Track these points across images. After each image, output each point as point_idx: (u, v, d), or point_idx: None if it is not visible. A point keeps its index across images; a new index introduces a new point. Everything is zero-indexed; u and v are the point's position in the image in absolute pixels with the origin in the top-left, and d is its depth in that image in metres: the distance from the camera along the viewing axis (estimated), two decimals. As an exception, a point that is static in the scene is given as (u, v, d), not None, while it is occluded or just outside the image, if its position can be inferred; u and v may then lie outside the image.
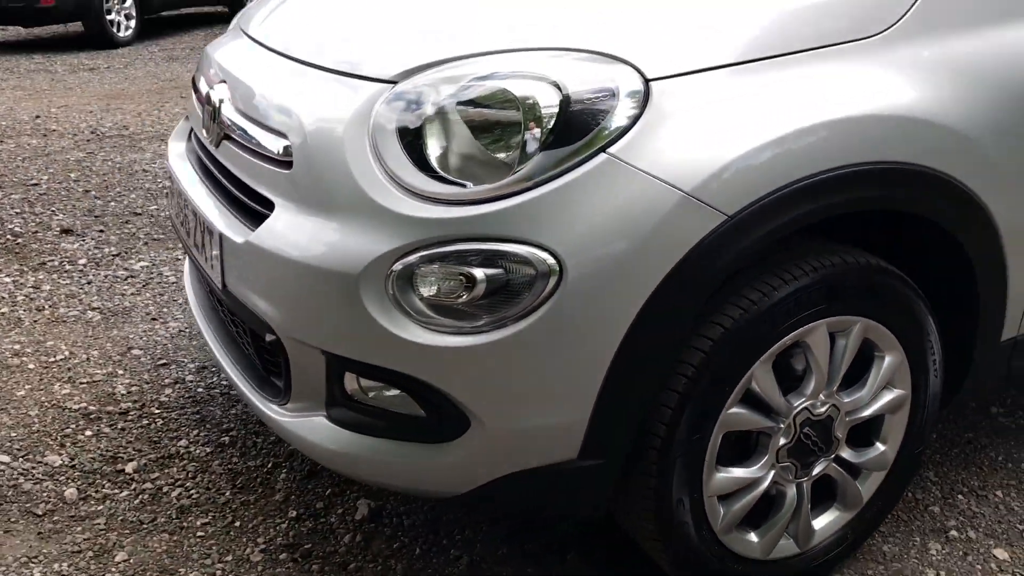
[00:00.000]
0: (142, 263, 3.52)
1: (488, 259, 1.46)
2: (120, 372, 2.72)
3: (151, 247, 3.69)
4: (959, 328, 1.87)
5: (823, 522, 1.87)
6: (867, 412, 1.81)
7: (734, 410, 1.65)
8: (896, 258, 1.77)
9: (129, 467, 2.26)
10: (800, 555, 1.86)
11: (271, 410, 1.80)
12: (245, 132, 1.79)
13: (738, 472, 1.72)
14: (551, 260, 1.45)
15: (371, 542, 2.03)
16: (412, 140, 1.54)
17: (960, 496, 2.18)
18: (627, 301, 1.48)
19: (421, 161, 1.53)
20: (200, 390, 2.62)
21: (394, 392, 1.60)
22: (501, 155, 1.49)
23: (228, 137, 1.88)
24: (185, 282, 2.41)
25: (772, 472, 1.75)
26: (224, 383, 2.65)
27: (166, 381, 2.67)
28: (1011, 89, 1.71)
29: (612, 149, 1.46)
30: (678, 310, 1.51)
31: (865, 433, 1.86)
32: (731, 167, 1.47)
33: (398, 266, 1.49)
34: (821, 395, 1.74)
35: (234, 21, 2.44)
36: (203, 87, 2.08)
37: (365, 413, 1.66)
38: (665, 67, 1.51)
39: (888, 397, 1.82)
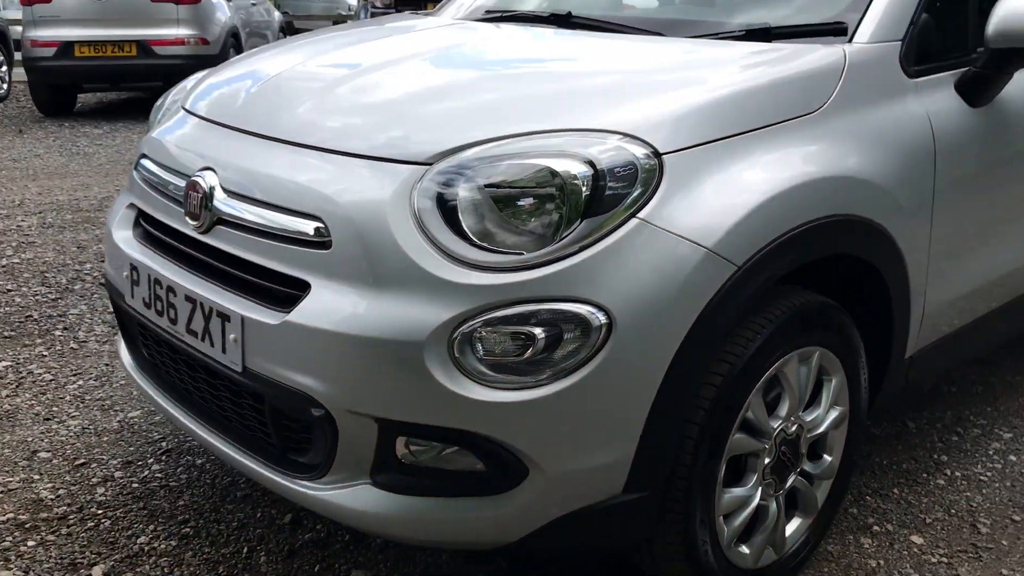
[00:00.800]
0: (3, 363, 3.29)
1: (545, 318, 1.62)
2: (36, 477, 2.55)
3: (5, 345, 3.45)
4: (877, 349, 2.23)
5: (791, 529, 2.14)
6: (822, 428, 2.11)
7: (737, 436, 1.89)
8: (829, 292, 2.10)
9: (96, 571, 2.15)
10: (778, 561, 2.12)
11: (299, 485, 1.83)
12: (258, 217, 1.84)
13: (738, 491, 1.96)
14: (602, 315, 1.63)
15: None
16: (457, 215, 1.68)
17: (868, 497, 2.54)
18: (665, 346, 1.69)
19: (467, 234, 1.67)
20: (136, 485, 2.52)
21: (451, 450, 1.70)
22: (544, 225, 1.66)
23: (223, 222, 1.92)
24: (131, 371, 2.35)
25: (760, 489, 2.00)
26: (159, 475, 2.56)
27: (94, 480, 2.54)
28: (902, 146, 2.11)
29: (641, 214, 1.68)
30: (703, 351, 1.74)
31: (816, 448, 2.16)
32: (739, 225, 1.73)
33: (461, 331, 1.62)
34: (793, 416, 2.02)
35: (170, 103, 2.45)
36: (174, 175, 2.08)
37: (415, 474, 1.74)
38: (672, 143, 1.75)
39: (835, 414, 2.14)
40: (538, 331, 1.62)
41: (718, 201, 1.75)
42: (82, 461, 2.64)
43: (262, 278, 1.84)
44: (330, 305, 1.71)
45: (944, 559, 2.28)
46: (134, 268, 2.14)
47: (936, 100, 2.22)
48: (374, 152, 1.81)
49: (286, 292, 1.78)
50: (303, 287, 1.76)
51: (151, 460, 2.66)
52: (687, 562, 1.90)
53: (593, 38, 2.42)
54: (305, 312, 1.72)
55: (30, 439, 2.76)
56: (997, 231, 2.49)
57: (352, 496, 1.78)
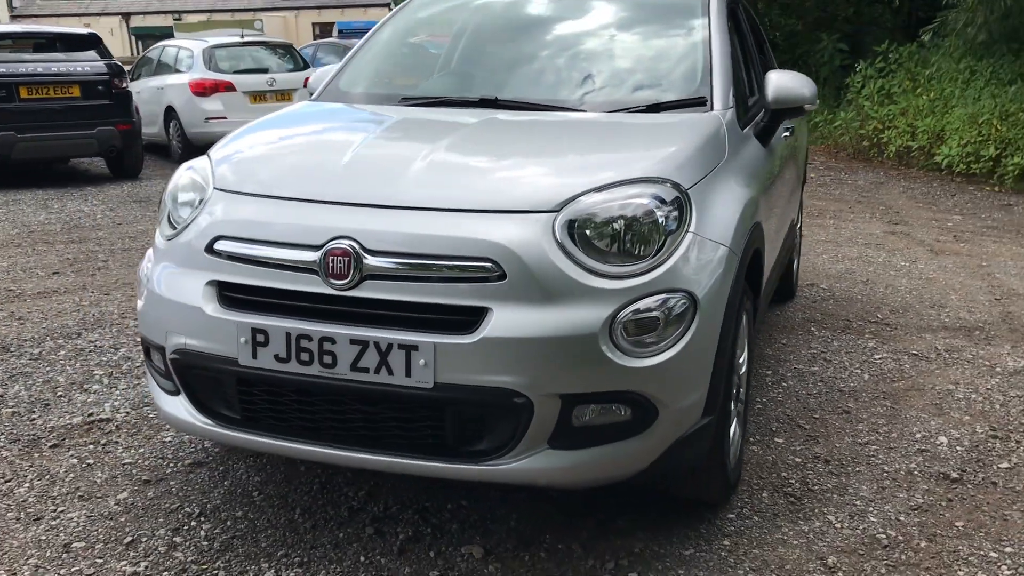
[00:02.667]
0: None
1: (663, 305, 2.41)
2: (100, 561, 2.64)
3: None
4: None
5: (735, 435, 3.11)
6: (744, 364, 3.12)
7: (741, 371, 2.82)
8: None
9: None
10: (736, 459, 3.07)
11: (480, 466, 2.40)
12: (416, 269, 2.36)
13: (733, 410, 2.88)
14: (690, 299, 2.46)
15: None
16: (591, 243, 2.40)
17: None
18: (719, 313, 2.57)
19: (601, 255, 2.40)
20: (205, 543, 2.74)
21: (610, 407, 2.41)
22: (648, 243, 2.45)
23: (372, 277, 2.39)
24: (211, 428, 2.62)
25: (736, 412, 2.95)
26: (216, 529, 2.79)
27: (162, 549, 2.70)
28: (752, 173, 3.21)
29: (691, 229, 2.54)
30: (732, 313, 2.64)
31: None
32: (735, 229, 2.67)
33: (616, 320, 2.35)
34: (742, 359, 3.00)
35: (194, 185, 2.76)
36: (290, 249, 2.46)
37: (582, 433, 2.41)
38: (687, 182, 2.63)
39: (746, 352, 3.16)
40: (659, 314, 2.40)
41: (720, 216, 2.67)
42: (130, 539, 2.76)
43: (426, 312, 2.36)
44: (515, 320, 2.32)
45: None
46: (259, 332, 2.47)
47: (752, 143, 3.36)
48: (512, 207, 2.44)
49: (461, 319, 2.34)
50: (479, 312, 2.34)
51: (192, 521, 2.85)
52: (721, 470, 2.78)
53: (551, 116, 3.19)
54: (496, 328, 2.31)
55: (43, 539, 2.77)
56: (776, 211, 3.73)
57: (535, 461, 2.40)
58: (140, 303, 2.84)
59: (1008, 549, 2.74)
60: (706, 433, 2.62)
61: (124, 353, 4.41)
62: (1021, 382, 4.07)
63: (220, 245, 2.59)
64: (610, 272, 2.40)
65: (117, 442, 3.43)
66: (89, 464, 3.26)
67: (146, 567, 2.62)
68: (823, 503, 3.00)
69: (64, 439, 3.46)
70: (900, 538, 2.79)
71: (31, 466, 3.25)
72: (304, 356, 2.44)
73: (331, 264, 2.43)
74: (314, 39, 29.49)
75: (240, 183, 2.73)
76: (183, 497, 3.01)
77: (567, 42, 3.69)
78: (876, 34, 15.06)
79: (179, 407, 2.72)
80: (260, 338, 2.48)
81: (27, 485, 3.11)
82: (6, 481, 3.14)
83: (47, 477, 3.16)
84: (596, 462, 2.46)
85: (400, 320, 2.39)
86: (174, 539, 2.77)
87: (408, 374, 2.36)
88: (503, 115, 3.18)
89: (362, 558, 2.67)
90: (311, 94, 3.87)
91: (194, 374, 2.64)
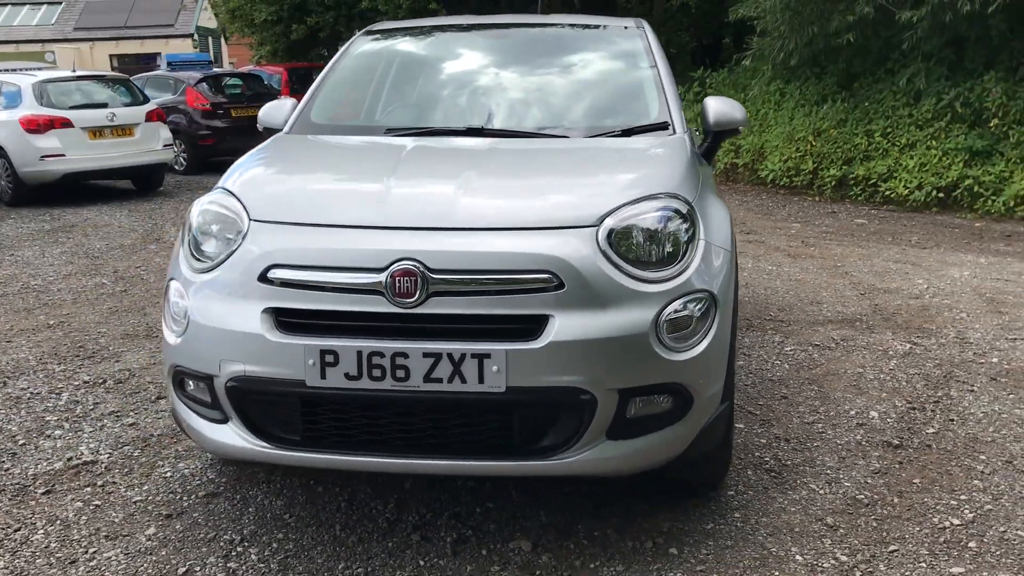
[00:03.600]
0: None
1: (695, 303, 2.74)
2: (162, 592, 2.65)
3: None
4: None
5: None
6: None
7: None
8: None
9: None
10: (724, 445, 3.43)
11: (546, 462, 2.64)
12: (488, 281, 2.57)
13: (727, 398, 3.24)
14: (710, 297, 2.80)
15: None
16: (633, 252, 2.69)
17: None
18: (730, 308, 2.92)
19: (642, 263, 2.70)
20: (262, 565, 2.80)
21: (659, 397, 2.69)
22: (677, 250, 2.77)
23: (437, 295, 2.58)
24: (275, 452, 2.71)
25: (729, 396, 3.31)
26: (273, 549, 2.85)
27: (221, 575, 2.74)
28: (708, 185, 3.60)
29: (701, 236, 2.88)
30: (735, 307, 3.00)
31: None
32: (727, 233, 3.04)
33: (660, 319, 2.65)
34: (724, 352, 3.37)
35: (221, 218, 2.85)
36: (351, 272, 2.60)
37: (636, 423, 2.69)
38: (690, 197, 2.98)
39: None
40: (691, 312, 2.73)
41: (716, 224, 3.03)
42: (182, 570, 2.78)
43: (493, 323, 2.58)
44: (575, 324, 2.57)
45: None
46: (328, 352, 2.59)
47: (702, 161, 3.76)
48: (560, 223, 2.70)
49: (525, 327, 2.57)
50: (541, 319, 2.57)
51: (238, 547, 2.90)
52: (728, 451, 3.13)
53: (546, 143, 3.46)
54: (560, 333, 2.55)
55: (88, 578, 2.75)
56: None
57: (595, 453, 2.65)
58: (173, 338, 2.87)
59: (962, 496, 3.24)
60: (724, 417, 2.96)
61: (69, 397, 4.28)
62: (914, 362, 4.68)
63: (273, 273, 2.69)
64: (649, 277, 2.70)
65: (115, 482, 3.38)
66: (97, 505, 3.21)
67: (211, 593, 2.67)
68: (800, 475, 3.41)
69: (54, 485, 3.37)
70: (876, 497, 3.23)
71: (33, 514, 3.16)
72: (376, 372, 2.59)
73: (398, 284, 2.59)
74: (112, 69, 28.26)
75: (280, 214, 2.83)
76: (214, 526, 3.05)
77: (530, 77, 3.99)
78: (685, 61, 16.27)
79: (228, 434, 2.79)
80: (329, 359, 2.61)
81: (41, 532, 3.04)
82: (15, 530, 3.05)
83: (58, 522, 3.10)
84: (646, 449, 2.74)
85: (467, 332, 2.59)
86: (228, 565, 2.82)
87: (481, 380, 2.56)
88: (504, 143, 3.42)
89: (420, 562, 2.82)
90: (262, 128, 3.97)
91: (251, 399, 2.72)
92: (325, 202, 2.94)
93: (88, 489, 3.34)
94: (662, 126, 3.59)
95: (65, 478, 3.43)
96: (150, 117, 11.77)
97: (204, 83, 14.68)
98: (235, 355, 2.70)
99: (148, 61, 30.85)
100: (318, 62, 21.84)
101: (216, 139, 14.15)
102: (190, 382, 2.86)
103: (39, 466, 3.54)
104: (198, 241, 2.93)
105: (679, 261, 2.76)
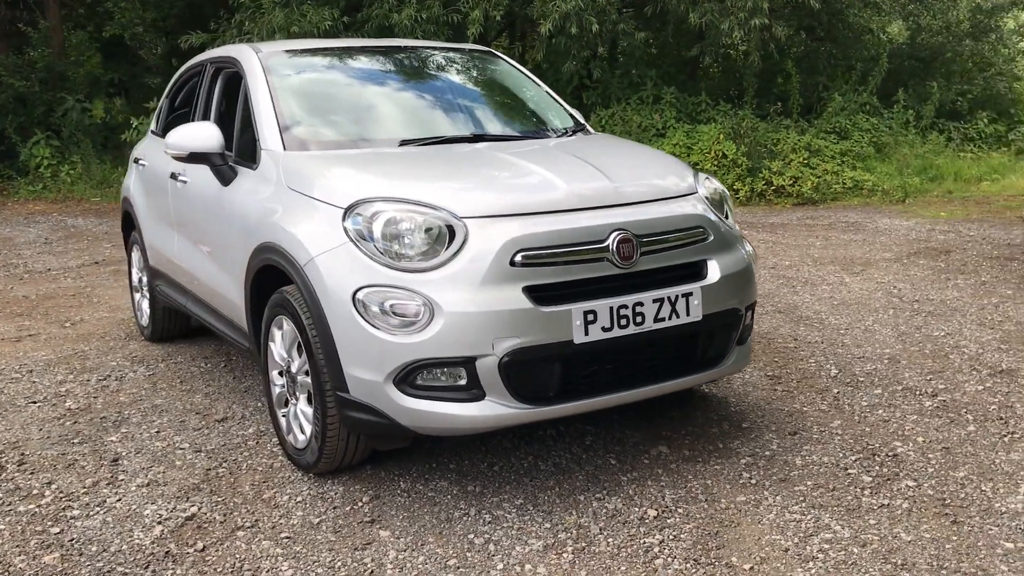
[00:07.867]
0: None
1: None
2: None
3: None
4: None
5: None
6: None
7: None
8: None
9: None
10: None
11: (715, 369, 3.53)
12: (672, 238, 3.37)
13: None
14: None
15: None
16: (721, 208, 3.71)
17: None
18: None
19: (724, 214, 3.72)
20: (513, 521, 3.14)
21: (750, 312, 3.72)
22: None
23: (644, 255, 3.28)
24: (528, 410, 3.14)
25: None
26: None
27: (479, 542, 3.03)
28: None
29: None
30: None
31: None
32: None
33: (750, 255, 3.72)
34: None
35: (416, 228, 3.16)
36: (577, 248, 3.17)
37: (747, 330, 3.70)
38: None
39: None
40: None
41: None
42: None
43: (677, 271, 3.37)
44: (724, 263, 3.52)
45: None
46: (589, 312, 3.12)
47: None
48: (681, 192, 3.62)
49: (696, 271, 3.42)
50: (702, 264, 3.46)
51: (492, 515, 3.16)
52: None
53: (544, 141, 4.18)
54: (722, 270, 3.48)
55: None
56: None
57: (735, 356, 3.67)
58: (408, 336, 3.02)
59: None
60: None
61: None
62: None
63: (519, 257, 3.10)
64: (734, 226, 3.73)
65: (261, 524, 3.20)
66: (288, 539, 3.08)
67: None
68: (811, 434, 3.94)
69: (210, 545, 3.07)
70: (897, 448, 3.81)
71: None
72: (622, 322, 3.21)
73: (622, 250, 3.22)
74: None
75: (489, 209, 3.21)
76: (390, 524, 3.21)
77: (468, 91, 4.58)
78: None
79: (484, 408, 3.10)
80: (591, 317, 3.16)
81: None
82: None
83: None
84: (748, 354, 3.76)
85: (668, 280, 3.36)
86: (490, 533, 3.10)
87: (688, 313, 3.35)
88: (518, 145, 4.12)
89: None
90: (187, 153, 3.92)
91: (518, 368, 3.08)
92: (516, 195, 3.36)
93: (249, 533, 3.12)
94: (580, 126, 4.56)
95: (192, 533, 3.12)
96: None
97: None
98: (508, 331, 3.05)
99: None
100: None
101: None
102: (435, 372, 3.05)
103: (156, 528, 3.11)
104: (392, 244, 3.13)
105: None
